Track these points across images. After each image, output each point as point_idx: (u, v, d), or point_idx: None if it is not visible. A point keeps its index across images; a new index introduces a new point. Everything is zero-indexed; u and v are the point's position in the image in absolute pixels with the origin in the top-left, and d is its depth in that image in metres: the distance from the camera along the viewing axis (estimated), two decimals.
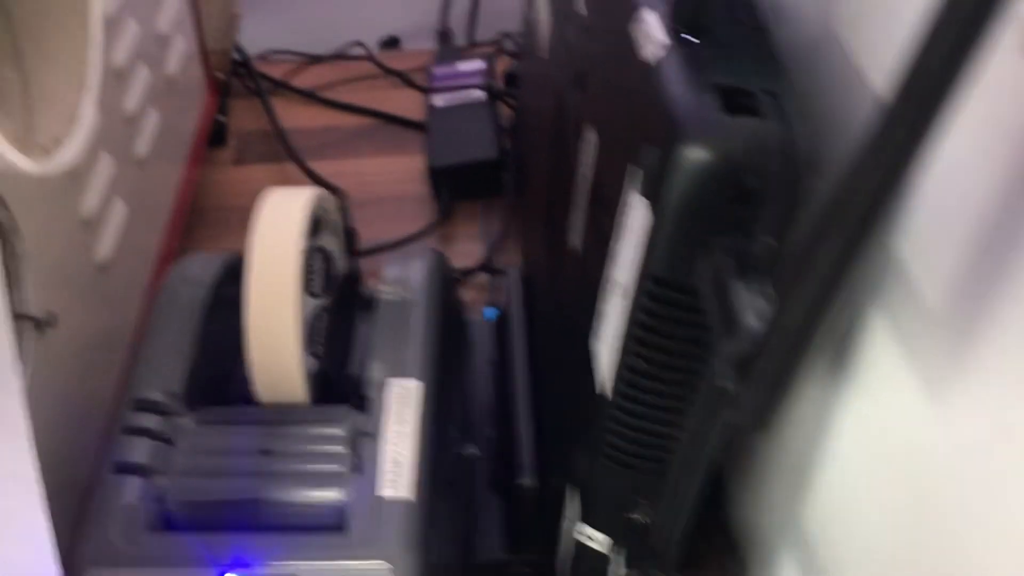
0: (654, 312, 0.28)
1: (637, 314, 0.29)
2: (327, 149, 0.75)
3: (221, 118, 0.75)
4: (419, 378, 0.37)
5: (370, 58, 0.83)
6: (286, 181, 0.72)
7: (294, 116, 0.78)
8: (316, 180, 0.69)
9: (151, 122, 0.56)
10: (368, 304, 0.43)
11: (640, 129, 0.29)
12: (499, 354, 0.55)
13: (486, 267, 0.64)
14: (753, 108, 0.26)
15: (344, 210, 0.59)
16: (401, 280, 0.42)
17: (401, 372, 0.37)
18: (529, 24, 0.61)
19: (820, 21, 0.30)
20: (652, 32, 0.29)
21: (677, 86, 0.27)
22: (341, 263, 0.46)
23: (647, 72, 0.28)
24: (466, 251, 0.66)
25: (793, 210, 0.25)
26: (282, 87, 0.81)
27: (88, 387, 0.43)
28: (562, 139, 0.42)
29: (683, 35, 0.28)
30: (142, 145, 0.54)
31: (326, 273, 0.44)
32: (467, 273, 0.63)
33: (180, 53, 0.62)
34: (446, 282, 0.43)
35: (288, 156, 0.73)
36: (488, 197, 0.69)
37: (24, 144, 0.25)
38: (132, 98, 0.52)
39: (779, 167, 0.25)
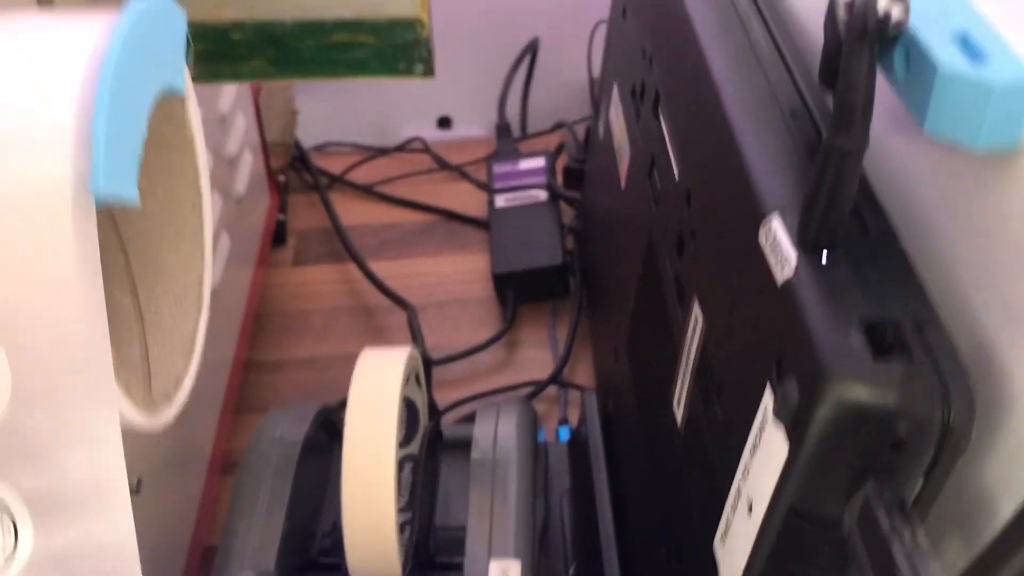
0: (790, 538, 0.27)
1: (770, 535, 0.27)
2: (388, 248, 0.75)
3: (281, 216, 0.75)
4: (518, 556, 0.36)
5: (427, 150, 0.83)
6: (347, 283, 0.72)
7: (353, 211, 0.78)
8: (378, 286, 0.68)
9: (223, 245, 0.55)
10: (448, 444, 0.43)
11: (770, 347, 0.27)
12: (576, 481, 0.54)
13: (556, 380, 0.63)
14: (902, 343, 0.25)
15: (414, 327, 0.59)
16: (493, 438, 0.41)
17: (501, 551, 0.36)
18: (596, 135, 0.61)
19: (953, 233, 0.29)
20: (780, 243, 0.28)
21: (817, 316, 0.25)
22: (424, 413, 0.45)
23: (777, 291, 0.27)
24: (534, 359, 0.65)
25: (950, 455, 0.24)
26: (340, 181, 0.80)
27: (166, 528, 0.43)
28: (655, 288, 0.41)
29: (812, 246, 0.27)
30: (216, 270, 0.53)
31: (409, 422, 0.44)
32: (538, 390, 0.62)
33: (247, 169, 0.62)
34: (535, 435, 0.42)
35: (349, 256, 0.72)
36: (554, 299, 0.69)
37: (144, 395, 0.24)
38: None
39: (932, 413, 0.24)
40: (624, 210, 0.51)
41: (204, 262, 0.27)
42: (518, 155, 0.78)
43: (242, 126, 0.60)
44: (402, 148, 0.84)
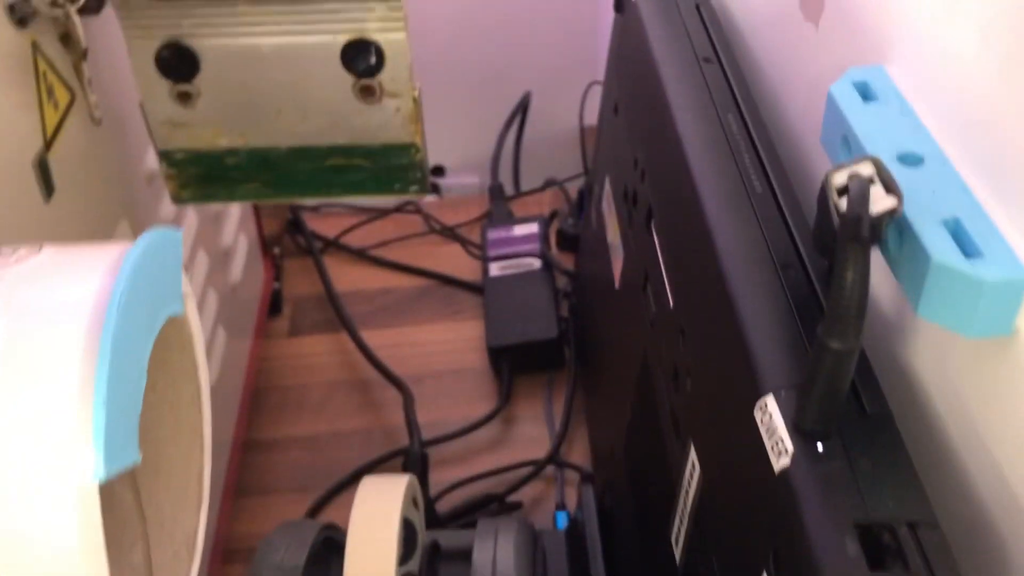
0: None
1: None
2: (383, 315, 0.75)
3: (276, 285, 0.75)
4: None
5: (419, 211, 0.83)
6: (343, 354, 0.72)
7: (348, 276, 0.78)
8: (375, 364, 0.68)
9: (220, 341, 0.56)
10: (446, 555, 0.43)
11: (767, 534, 0.28)
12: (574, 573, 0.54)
13: (553, 460, 0.63)
14: (897, 548, 0.25)
15: (410, 419, 0.59)
16: (491, 563, 0.41)
17: None
18: (590, 219, 0.61)
19: (949, 408, 0.29)
20: (776, 427, 0.28)
21: (814, 517, 0.26)
22: (421, 528, 0.45)
23: (775, 478, 0.28)
24: (530, 436, 0.66)
25: None
26: (334, 245, 0.81)
27: None
28: (651, 410, 0.41)
29: (808, 435, 0.28)
30: (214, 363, 0.54)
31: (407, 540, 0.44)
32: (536, 471, 0.62)
33: (243, 257, 0.62)
34: (533, 558, 0.43)
35: (343, 327, 0.72)
36: (550, 371, 0.69)
37: None
38: (205, 322, 0.52)
39: None
40: (618, 312, 0.51)
41: (204, 456, 0.27)
42: (512, 220, 0.78)
43: (236, 212, 0.60)
44: (399, 210, 0.83)
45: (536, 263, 0.73)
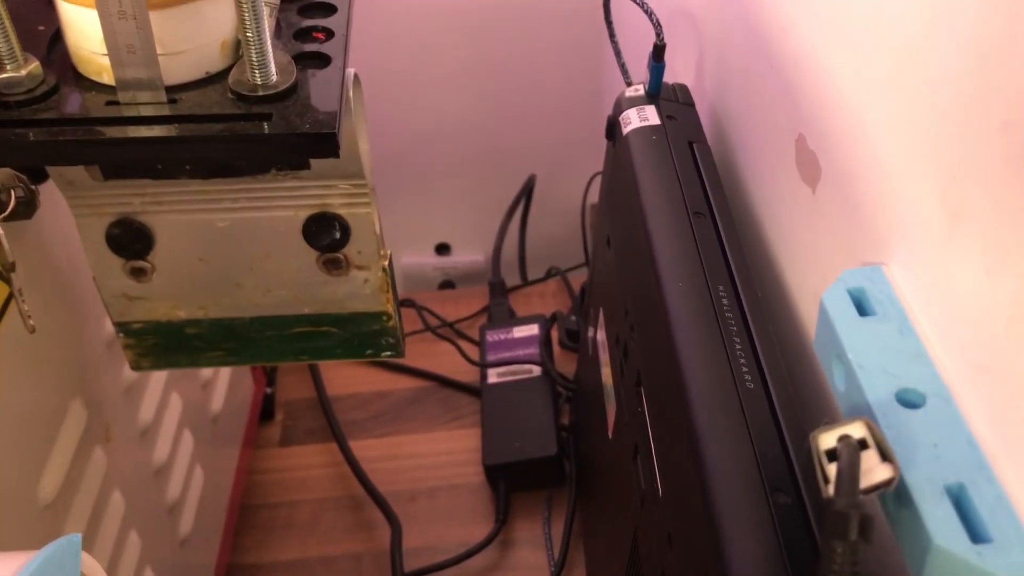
0: None
1: None
2: (378, 422, 0.72)
3: (269, 390, 0.73)
4: None
5: (415, 305, 0.80)
6: (335, 466, 0.69)
7: (344, 378, 0.75)
8: (367, 488, 0.65)
9: (196, 476, 0.53)
10: None
11: None
12: None
13: None
14: None
15: (395, 561, 0.56)
16: None
17: None
18: (586, 344, 0.58)
19: None
20: None
21: None
22: None
23: None
24: (528, 562, 0.63)
25: None
26: None
27: None
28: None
29: None
30: (185, 507, 0.51)
31: None
32: None
33: (226, 377, 0.59)
34: None
35: (334, 437, 0.70)
36: (549, 487, 0.66)
37: None
38: (179, 465, 0.49)
39: None
40: (612, 463, 0.48)
41: None
42: (512, 320, 0.75)
43: None
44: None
45: (536, 370, 0.70)
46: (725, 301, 0.38)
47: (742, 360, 0.35)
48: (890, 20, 0.29)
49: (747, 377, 0.34)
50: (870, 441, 0.24)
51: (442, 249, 1.00)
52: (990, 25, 0.24)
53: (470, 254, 0.99)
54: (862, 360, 0.28)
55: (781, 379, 0.34)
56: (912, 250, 0.29)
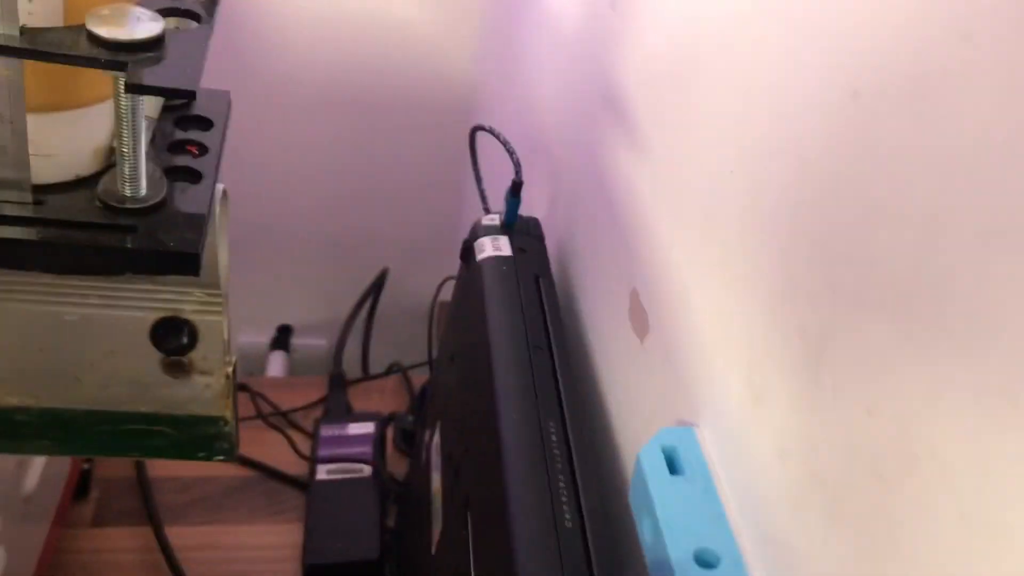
0: None
1: None
2: (198, 508, 0.70)
3: (86, 466, 0.70)
4: None
5: (248, 389, 0.80)
6: (149, 552, 0.67)
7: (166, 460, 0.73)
8: (176, 573, 0.64)
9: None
10: None
11: None
12: None
13: None
14: None
15: None
16: None
17: None
18: (420, 454, 0.59)
19: None
20: None
21: None
22: None
23: None
24: None
25: None
26: None
27: None
28: None
29: None
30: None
31: None
32: None
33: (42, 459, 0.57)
34: None
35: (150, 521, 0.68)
36: None
37: None
38: None
39: None
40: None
41: None
42: (348, 416, 0.75)
43: None
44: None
45: (367, 469, 0.70)
46: (554, 438, 0.40)
47: (564, 498, 0.37)
48: (718, 216, 0.33)
49: (567, 516, 0.37)
50: None
51: (284, 331, 0.99)
52: (796, 239, 0.27)
53: (312, 338, 0.99)
54: (668, 517, 0.31)
55: (598, 520, 0.37)
56: (720, 419, 0.32)
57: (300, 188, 0.90)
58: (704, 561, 0.29)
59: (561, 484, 0.38)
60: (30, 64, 0.29)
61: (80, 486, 0.70)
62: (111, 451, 0.41)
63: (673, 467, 0.33)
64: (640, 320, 0.41)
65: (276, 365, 0.94)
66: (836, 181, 0.25)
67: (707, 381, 0.33)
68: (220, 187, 0.36)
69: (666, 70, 0.39)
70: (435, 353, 0.81)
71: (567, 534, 0.36)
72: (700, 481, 0.32)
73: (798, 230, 0.27)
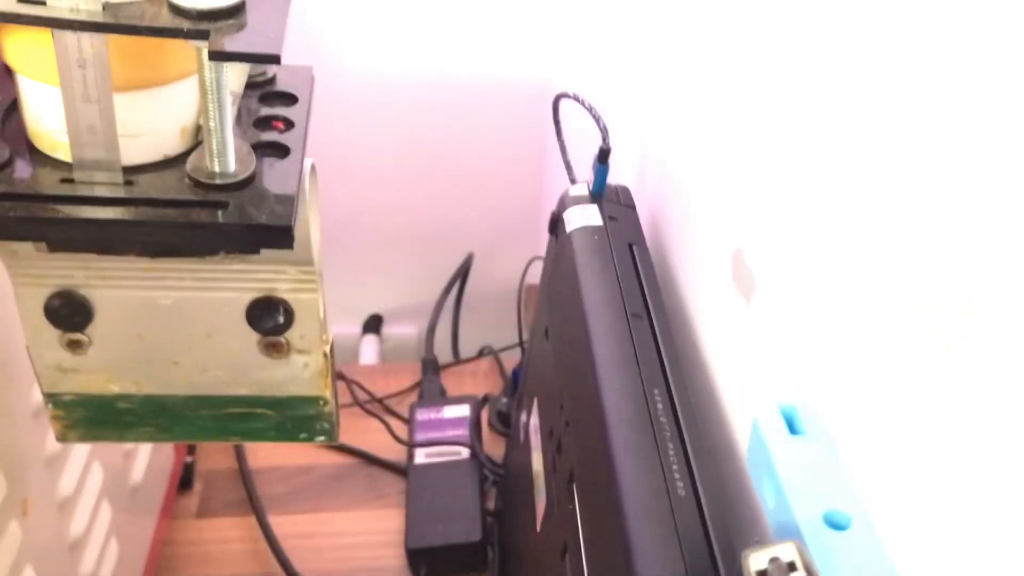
0: None
1: None
2: (299, 498, 0.71)
3: (188, 459, 0.71)
4: None
5: (344, 378, 0.80)
6: (253, 541, 0.67)
7: (266, 450, 0.74)
8: (282, 564, 0.64)
9: (112, 550, 0.51)
10: None
11: None
12: None
13: None
14: None
15: None
16: None
17: None
18: (517, 433, 0.58)
19: None
20: None
21: None
22: None
23: None
24: None
25: None
26: None
27: None
28: None
29: None
30: (96, 572, 0.49)
31: None
32: None
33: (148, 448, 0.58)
34: None
35: (254, 511, 0.68)
36: (472, 573, 0.65)
37: None
38: (83, 522, 0.48)
39: None
40: (538, 557, 0.48)
41: None
42: (443, 399, 0.75)
43: None
44: None
45: (464, 452, 0.70)
46: (660, 406, 0.38)
47: (675, 467, 0.36)
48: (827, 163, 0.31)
49: (679, 484, 0.35)
50: (799, 563, 0.25)
51: (375, 321, 0.99)
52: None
53: (402, 326, 0.99)
54: (792, 479, 0.29)
55: (711, 487, 0.35)
56: (840, 376, 0.30)
57: (381, 178, 0.90)
58: (834, 523, 0.28)
59: (671, 452, 0.36)
60: (113, 41, 0.29)
61: (184, 479, 0.71)
62: (214, 436, 0.41)
63: (793, 428, 0.31)
64: (745, 280, 0.39)
65: (369, 352, 0.95)
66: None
67: (825, 336, 0.31)
68: (308, 161, 0.35)
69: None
70: (525, 334, 0.80)
71: (680, 503, 0.34)
72: (823, 441, 0.30)
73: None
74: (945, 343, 0.24)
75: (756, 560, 0.25)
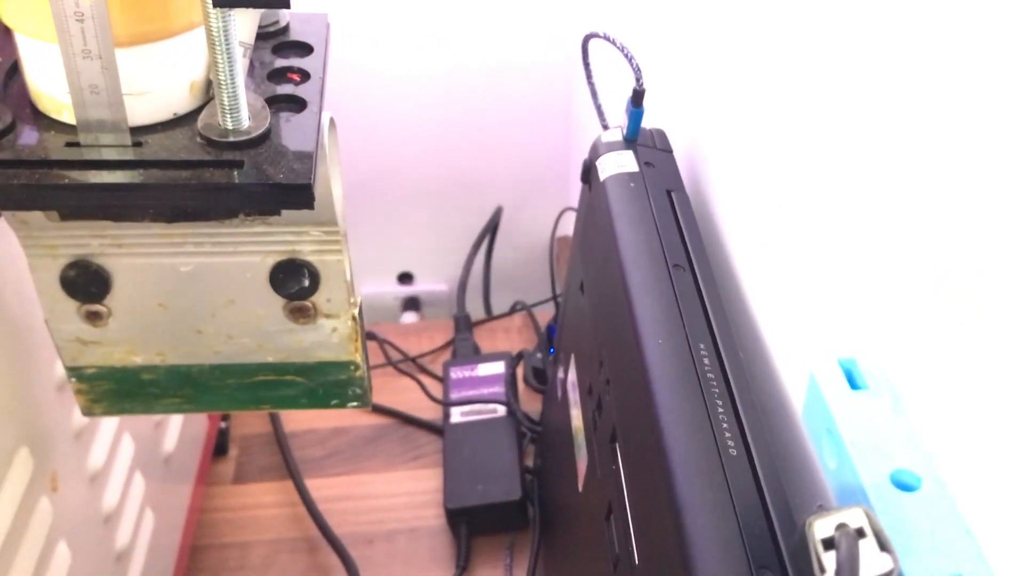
0: None
1: None
2: (336, 460, 0.70)
3: (223, 424, 0.71)
4: None
5: (375, 338, 0.78)
6: (291, 506, 0.67)
7: (300, 413, 0.73)
8: (320, 526, 0.63)
9: (147, 520, 0.51)
10: None
11: None
12: None
13: None
14: None
15: None
16: None
17: None
18: (555, 388, 0.57)
19: None
20: None
21: None
22: None
23: None
24: None
25: None
26: None
27: None
28: None
29: None
30: (135, 554, 0.49)
31: None
32: None
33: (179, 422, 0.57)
34: None
35: (290, 475, 0.67)
36: (512, 532, 0.64)
37: None
38: (116, 495, 0.47)
39: None
40: (581, 518, 0.46)
41: None
42: (477, 357, 0.73)
43: None
44: None
45: (500, 409, 0.68)
46: (706, 361, 0.36)
47: (724, 425, 0.34)
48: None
49: (730, 444, 0.33)
50: (867, 530, 0.23)
51: (405, 278, 0.98)
52: None
53: (433, 283, 0.97)
54: (855, 438, 0.27)
55: (764, 446, 0.33)
56: (904, 326, 0.28)
57: (403, 131, 0.87)
58: (903, 483, 0.26)
59: (720, 410, 0.34)
60: None
61: (219, 445, 0.70)
62: (243, 405, 0.39)
63: (853, 382, 0.29)
64: (793, 225, 0.36)
65: (399, 309, 0.93)
66: None
67: (885, 282, 0.29)
68: (327, 114, 0.33)
69: None
70: (559, 288, 0.78)
71: (732, 463, 0.32)
72: (887, 396, 0.28)
73: None
74: (999, 296, 0.22)
75: (821, 527, 0.23)
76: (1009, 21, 0.22)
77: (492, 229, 0.85)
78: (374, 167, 0.87)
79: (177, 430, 0.57)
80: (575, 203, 0.54)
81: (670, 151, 0.49)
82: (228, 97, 0.29)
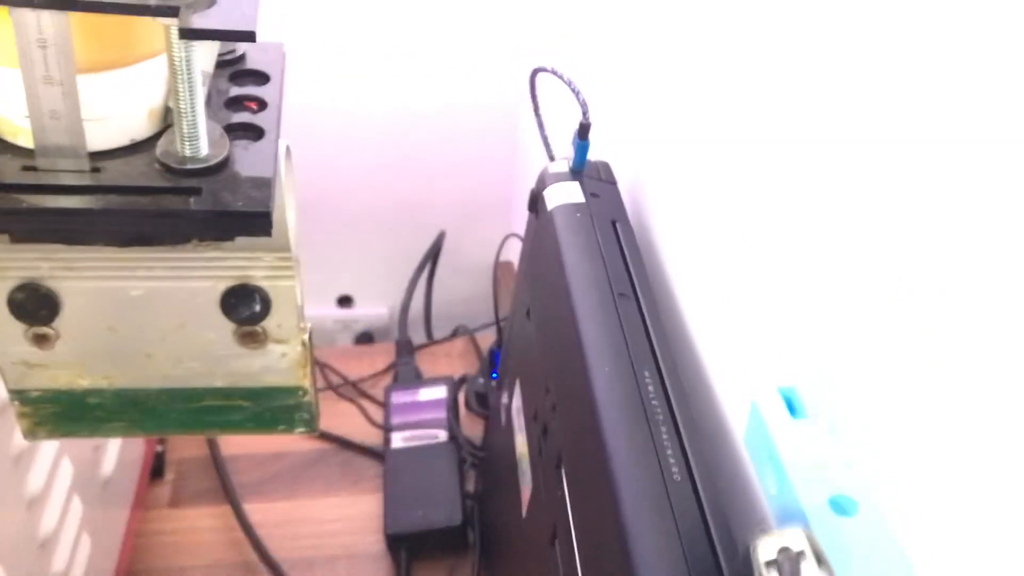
0: None
1: None
2: (275, 484, 0.70)
3: (159, 448, 0.70)
4: None
5: (317, 362, 0.78)
6: (228, 531, 0.66)
7: (238, 437, 0.72)
8: (258, 550, 0.63)
9: (84, 545, 0.50)
10: None
11: None
12: None
13: None
14: None
15: None
16: None
17: None
18: (498, 417, 0.57)
19: None
20: None
21: None
22: None
23: None
24: None
25: None
26: None
27: None
28: None
29: None
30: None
31: None
32: None
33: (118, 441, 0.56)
34: None
35: (228, 499, 0.67)
36: (452, 557, 0.64)
37: None
38: (53, 520, 0.46)
39: None
40: (525, 543, 0.47)
41: None
42: (419, 382, 0.74)
43: None
44: None
45: (442, 434, 0.69)
46: (651, 388, 0.38)
47: (669, 451, 0.35)
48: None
49: (674, 469, 0.34)
50: (808, 551, 0.25)
51: (344, 302, 0.98)
52: None
53: (373, 307, 0.97)
54: (795, 464, 0.28)
55: (707, 472, 0.34)
56: (841, 354, 0.29)
57: (347, 155, 0.87)
58: (841, 508, 0.27)
59: (664, 436, 0.35)
60: (76, 20, 0.27)
61: (155, 468, 0.69)
62: (189, 428, 0.39)
63: (793, 409, 0.30)
64: (734, 255, 0.38)
65: (339, 336, 0.93)
66: None
67: (824, 313, 0.31)
68: (284, 143, 0.33)
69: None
70: (502, 313, 0.79)
71: (676, 488, 0.33)
72: (825, 423, 0.29)
73: None
74: (938, 324, 0.23)
75: (765, 550, 0.25)
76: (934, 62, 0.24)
77: (435, 253, 0.85)
78: (317, 190, 0.87)
79: (116, 453, 0.56)
80: (518, 229, 0.55)
81: (615, 183, 0.50)
82: (188, 125, 0.29)
